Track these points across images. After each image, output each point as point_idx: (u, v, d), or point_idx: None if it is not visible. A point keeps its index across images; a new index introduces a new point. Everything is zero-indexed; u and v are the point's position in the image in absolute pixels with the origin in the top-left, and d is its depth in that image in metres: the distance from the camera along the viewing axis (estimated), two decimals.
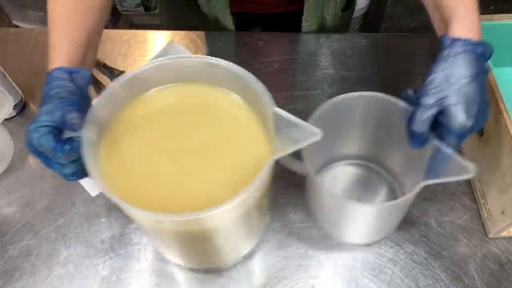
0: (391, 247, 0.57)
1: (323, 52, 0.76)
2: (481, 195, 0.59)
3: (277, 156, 0.42)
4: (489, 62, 0.58)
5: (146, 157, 0.46)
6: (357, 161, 0.61)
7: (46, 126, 0.41)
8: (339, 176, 0.60)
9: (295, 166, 0.49)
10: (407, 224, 0.58)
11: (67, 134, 0.43)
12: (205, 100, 0.50)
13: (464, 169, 0.43)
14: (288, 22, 0.78)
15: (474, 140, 0.61)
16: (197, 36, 0.78)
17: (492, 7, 1.86)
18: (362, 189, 0.60)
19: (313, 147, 0.43)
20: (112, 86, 0.46)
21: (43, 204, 0.60)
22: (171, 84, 0.50)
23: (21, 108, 0.70)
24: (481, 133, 0.59)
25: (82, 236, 0.57)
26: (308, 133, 0.40)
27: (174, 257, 0.55)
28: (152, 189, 0.44)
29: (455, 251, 0.57)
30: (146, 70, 0.47)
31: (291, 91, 0.71)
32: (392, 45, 0.77)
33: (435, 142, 0.45)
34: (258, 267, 0.56)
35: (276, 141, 0.43)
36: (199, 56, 0.47)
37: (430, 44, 0.77)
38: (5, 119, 0.63)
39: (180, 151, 0.47)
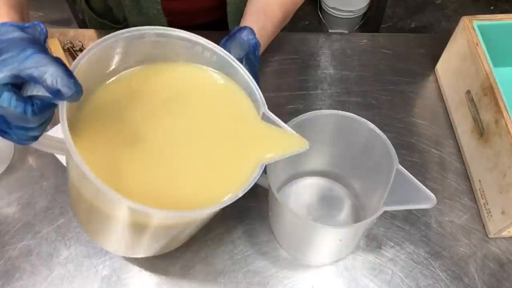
0: (391, 247, 0.57)
1: (323, 52, 0.76)
2: (481, 195, 0.59)
3: (266, 162, 0.41)
4: (489, 62, 0.59)
5: (123, 140, 0.42)
6: (323, 178, 0.61)
7: (4, 84, 0.34)
8: (303, 192, 0.60)
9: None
10: (407, 224, 0.58)
11: (28, 92, 0.36)
12: (196, 84, 0.47)
13: (426, 198, 0.44)
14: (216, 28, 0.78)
15: (474, 140, 0.61)
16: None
17: (492, 7, 1.86)
18: (325, 206, 0.59)
19: (277, 161, 0.43)
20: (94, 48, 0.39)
21: (43, 204, 0.60)
22: (160, 63, 0.46)
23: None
24: (481, 133, 0.59)
25: (82, 236, 0.57)
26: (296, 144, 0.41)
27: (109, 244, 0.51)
28: (132, 176, 0.40)
29: (455, 251, 0.57)
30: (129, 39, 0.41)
31: (291, 91, 0.71)
32: (392, 45, 0.77)
33: (399, 168, 0.46)
34: (258, 267, 0.56)
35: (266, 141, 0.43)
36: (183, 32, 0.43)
37: (430, 44, 0.77)
38: None
39: (158, 134, 0.43)
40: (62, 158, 0.63)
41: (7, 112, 0.35)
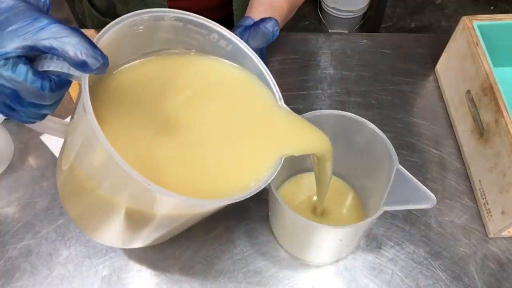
0: (391, 247, 0.57)
1: (323, 52, 0.76)
2: (481, 195, 0.59)
3: (285, 155, 0.41)
4: (489, 62, 0.59)
5: (146, 127, 0.40)
6: None
7: (17, 56, 0.31)
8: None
9: None
10: (407, 224, 0.58)
11: (44, 66, 0.33)
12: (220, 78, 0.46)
13: (426, 198, 0.45)
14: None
15: (474, 140, 0.61)
16: None
17: (492, 7, 1.86)
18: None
19: None
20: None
21: (43, 204, 0.60)
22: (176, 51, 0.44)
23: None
24: (481, 133, 0.59)
25: (82, 236, 0.57)
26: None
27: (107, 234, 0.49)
28: (157, 164, 0.39)
29: (455, 251, 0.57)
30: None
31: (291, 91, 0.71)
32: (392, 45, 0.77)
33: (399, 168, 0.46)
34: (258, 267, 0.56)
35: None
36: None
37: (430, 44, 0.77)
38: (5, 119, 0.63)
39: (187, 132, 0.42)
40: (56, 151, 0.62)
41: (22, 87, 0.32)
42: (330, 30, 1.81)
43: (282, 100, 0.45)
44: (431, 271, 0.55)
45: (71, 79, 0.35)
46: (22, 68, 0.31)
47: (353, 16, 1.73)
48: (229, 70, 0.46)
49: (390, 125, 0.68)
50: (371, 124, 0.49)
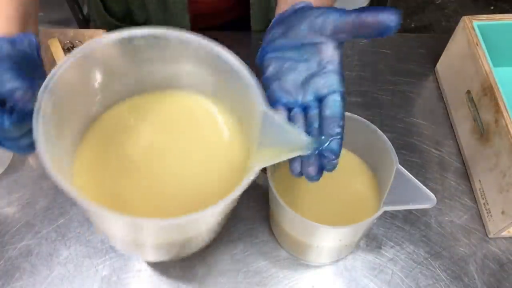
0: (391, 247, 0.57)
1: None
2: (481, 195, 0.59)
3: (260, 166, 0.38)
4: (489, 62, 0.59)
5: (112, 158, 0.44)
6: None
7: None
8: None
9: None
10: (407, 224, 0.58)
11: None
12: (174, 107, 0.49)
13: (426, 198, 0.44)
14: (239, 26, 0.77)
15: (474, 140, 0.61)
16: None
17: (492, 7, 1.86)
18: None
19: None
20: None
21: (43, 204, 0.60)
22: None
23: None
24: (481, 133, 0.59)
25: (82, 236, 0.57)
26: (299, 144, 0.38)
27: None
28: (120, 191, 0.43)
29: (455, 251, 0.57)
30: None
31: None
32: (392, 45, 0.77)
33: (399, 168, 0.46)
34: (258, 267, 0.56)
35: (260, 145, 0.40)
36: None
37: (430, 44, 0.77)
38: None
39: (152, 159, 0.45)
40: None
41: None
42: None
43: (266, 103, 0.40)
44: (431, 271, 0.55)
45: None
46: None
47: None
48: (194, 105, 0.49)
49: (390, 125, 0.68)
50: (371, 124, 0.49)
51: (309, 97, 0.41)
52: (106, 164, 0.44)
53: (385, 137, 0.48)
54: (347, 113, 0.50)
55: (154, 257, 0.53)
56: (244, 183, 0.37)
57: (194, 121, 0.48)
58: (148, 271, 0.55)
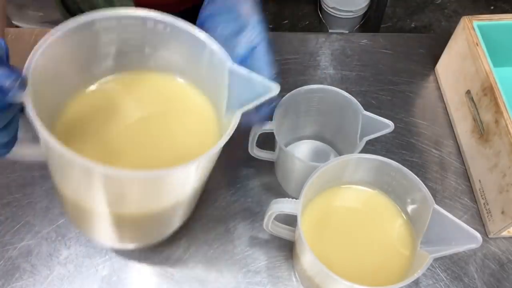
0: None
1: (323, 52, 0.76)
2: (481, 195, 0.59)
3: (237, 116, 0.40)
4: (489, 62, 0.59)
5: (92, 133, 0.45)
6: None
7: None
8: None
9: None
10: None
11: None
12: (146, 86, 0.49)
13: (469, 236, 0.42)
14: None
15: (474, 140, 0.61)
16: None
17: (492, 7, 1.86)
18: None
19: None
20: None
21: (43, 204, 0.60)
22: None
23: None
24: (481, 133, 0.59)
25: (82, 236, 0.57)
26: (265, 89, 0.39)
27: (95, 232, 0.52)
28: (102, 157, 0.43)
29: None
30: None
31: (291, 91, 0.71)
32: (392, 45, 0.77)
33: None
34: (258, 267, 0.56)
35: (230, 102, 0.42)
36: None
37: (430, 44, 0.77)
38: None
39: (132, 136, 0.46)
40: None
41: None
42: (330, 30, 1.81)
43: (231, 60, 0.42)
44: (431, 271, 0.55)
45: (11, 101, 0.37)
46: None
47: (353, 16, 1.73)
48: (168, 82, 0.50)
49: None
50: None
51: (243, 51, 0.45)
52: (82, 141, 0.44)
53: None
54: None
55: (131, 237, 0.52)
56: (229, 131, 0.39)
57: (166, 98, 0.49)
58: (148, 271, 0.55)
